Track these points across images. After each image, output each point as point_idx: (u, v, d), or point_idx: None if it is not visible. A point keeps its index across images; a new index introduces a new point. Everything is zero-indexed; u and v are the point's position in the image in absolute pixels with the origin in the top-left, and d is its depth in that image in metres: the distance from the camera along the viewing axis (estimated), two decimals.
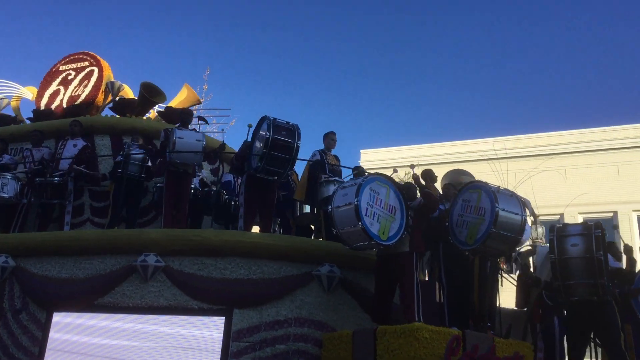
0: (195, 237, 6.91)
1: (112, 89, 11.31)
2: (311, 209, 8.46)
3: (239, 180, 8.88)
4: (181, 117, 9.80)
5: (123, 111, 9.79)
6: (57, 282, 7.14)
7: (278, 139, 7.32)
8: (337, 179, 8.12)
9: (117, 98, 10.18)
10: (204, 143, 7.82)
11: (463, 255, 6.73)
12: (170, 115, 9.81)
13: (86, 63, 11.96)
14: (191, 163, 7.95)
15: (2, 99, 12.41)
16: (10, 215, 8.79)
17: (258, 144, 7.46)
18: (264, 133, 7.38)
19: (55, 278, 7.17)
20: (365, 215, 5.91)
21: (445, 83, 40.14)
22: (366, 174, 7.45)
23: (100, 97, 11.41)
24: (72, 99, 11.45)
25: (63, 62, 12.26)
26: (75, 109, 11.05)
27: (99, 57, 11.94)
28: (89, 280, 7.03)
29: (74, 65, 12.04)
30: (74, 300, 6.99)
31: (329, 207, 6.27)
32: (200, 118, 10.36)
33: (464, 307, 6.75)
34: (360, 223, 5.86)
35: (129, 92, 11.60)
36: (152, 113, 11.77)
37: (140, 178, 8.45)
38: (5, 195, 8.33)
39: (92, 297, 6.96)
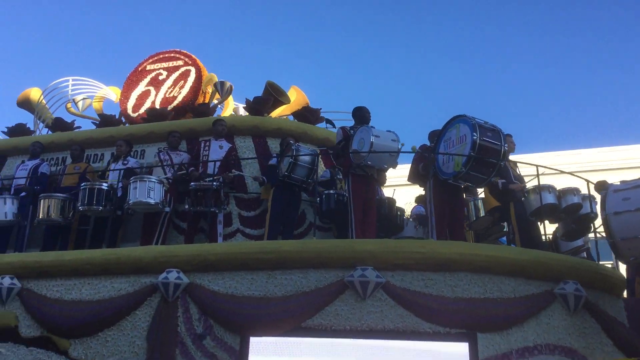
0: (421, 249, 5.95)
1: (221, 89, 10.30)
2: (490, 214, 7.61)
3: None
4: (318, 117, 8.94)
5: (260, 111, 8.78)
6: (249, 301, 6.07)
7: (485, 142, 6.48)
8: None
9: (255, 97, 9.15)
10: (400, 144, 6.89)
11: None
12: (305, 115, 8.85)
13: (180, 62, 10.93)
14: (383, 166, 6.99)
15: (84, 99, 11.26)
16: (149, 224, 7.69)
17: (448, 147, 6.67)
18: (466, 135, 6.54)
19: (247, 297, 6.11)
20: None
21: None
22: None
23: (199, 99, 10.41)
24: (166, 100, 10.39)
25: (150, 60, 11.20)
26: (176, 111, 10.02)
27: (194, 57, 10.94)
28: (291, 298, 5.99)
29: (164, 65, 11.00)
30: (275, 322, 5.92)
31: (605, 212, 5.42)
32: (327, 121, 9.45)
33: None
34: None
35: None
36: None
37: (306, 183, 7.42)
38: (152, 202, 7.21)
39: (297, 319, 5.90)
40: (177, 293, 6.28)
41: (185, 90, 10.41)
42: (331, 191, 7.46)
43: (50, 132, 10.65)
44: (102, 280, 6.64)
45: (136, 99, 10.70)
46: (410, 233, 8.20)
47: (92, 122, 10.64)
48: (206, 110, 9.17)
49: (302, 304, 5.92)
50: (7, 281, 6.81)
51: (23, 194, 8.27)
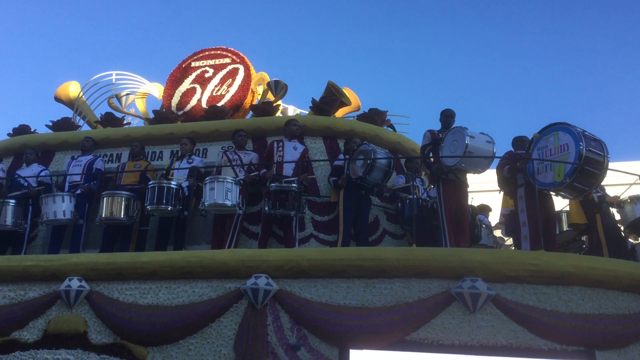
0: (534, 261, 5.62)
1: (275, 88, 9.95)
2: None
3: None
4: (384, 120, 8.64)
5: (328, 111, 8.43)
6: (348, 310, 5.71)
7: (590, 152, 6.20)
8: None
9: (322, 97, 8.79)
10: (495, 147, 6.57)
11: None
12: (372, 117, 8.50)
13: (227, 60, 10.57)
14: (477, 170, 6.67)
15: (127, 94, 10.82)
16: (220, 227, 7.30)
17: (544, 155, 6.41)
18: (568, 144, 6.27)
19: (344, 306, 5.74)
20: None
21: None
22: None
23: (249, 98, 10.05)
24: (213, 99, 10.02)
25: (195, 57, 10.82)
26: (221, 110, 9.65)
27: (242, 55, 10.59)
28: (393, 309, 5.63)
29: (210, 62, 10.63)
30: (378, 334, 5.55)
31: None
32: (390, 126, 9.13)
33: None
34: None
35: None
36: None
37: (380, 186, 7.09)
38: (229, 203, 6.82)
39: (401, 331, 5.55)
40: (266, 300, 5.90)
41: (233, 89, 10.06)
42: (413, 196, 7.13)
43: (89, 128, 10.26)
44: (180, 284, 6.23)
45: (181, 97, 10.33)
46: (484, 241, 7.92)
47: (141, 119, 10.24)
48: (271, 109, 8.80)
49: (406, 315, 5.58)
50: (75, 283, 6.37)
51: (79, 190, 7.83)
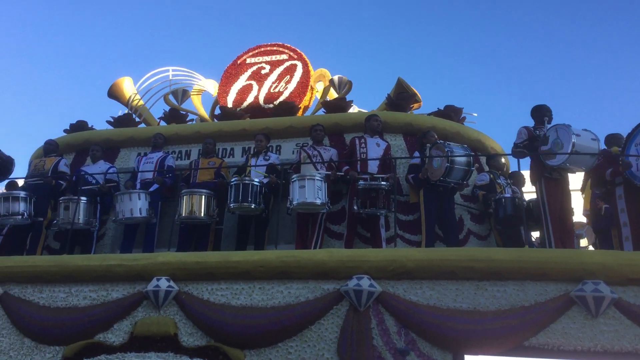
0: None
1: (338, 85, 9.72)
2: None
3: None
4: (460, 116, 8.37)
5: (404, 107, 8.18)
6: (459, 314, 5.44)
7: None
8: None
9: (398, 93, 8.53)
10: (600, 144, 6.29)
11: None
12: (449, 114, 8.24)
13: (284, 56, 10.34)
14: (582, 168, 6.40)
15: (183, 90, 10.59)
16: (304, 226, 7.05)
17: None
18: None
19: (455, 309, 5.47)
20: None
21: None
22: None
23: (308, 95, 9.81)
24: (270, 95, 9.79)
25: (250, 53, 10.60)
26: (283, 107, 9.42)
27: (299, 51, 10.35)
28: (508, 313, 5.36)
29: (267, 58, 10.40)
30: (494, 338, 5.29)
31: None
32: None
33: None
34: None
35: None
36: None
37: (459, 185, 6.82)
38: (318, 202, 6.57)
39: (519, 336, 5.27)
40: (369, 302, 5.64)
41: (292, 86, 9.83)
42: (507, 195, 6.86)
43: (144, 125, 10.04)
44: (274, 284, 5.98)
45: (237, 94, 10.10)
46: None
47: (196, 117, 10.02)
48: (345, 105, 8.54)
49: (524, 320, 5.30)
50: (164, 283, 6.12)
51: (152, 188, 7.59)
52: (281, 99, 9.70)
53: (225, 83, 10.28)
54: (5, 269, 6.62)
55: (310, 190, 6.54)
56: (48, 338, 6.26)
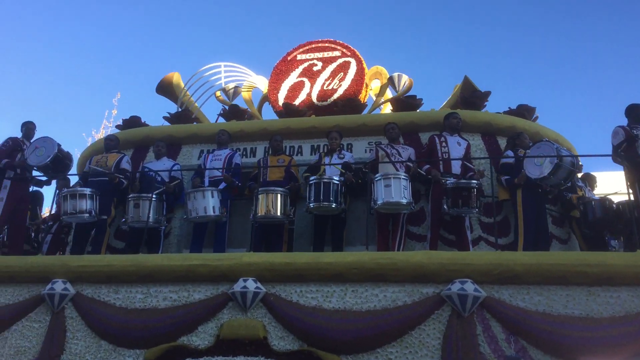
0: None
1: (397, 83, 9.51)
2: None
3: None
4: (533, 116, 8.16)
5: (478, 105, 7.96)
6: (572, 321, 5.21)
7: None
8: None
9: (471, 91, 8.30)
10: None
11: None
12: (522, 113, 8.02)
13: (337, 53, 10.11)
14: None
15: (235, 87, 10.36)
16: (385, 226, 6.80)
17: None
18: None
19: (567, 316, 5.25)
20: None
21: None
22: None
23: (363, 92, 9.59)
24: (324, 93, 9.57)
25: (301, 50, 10.37)
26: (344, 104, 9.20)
27: (352, 48, 10.13)
28: (624, 320, 5.14)
29: (318, 55, 10.17)
30: (610, 347, 5.05)
31: None
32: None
33: None
34: None
35: None
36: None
37: (558, 186, 6.61)
38: (404, 201, 6.35)
39: (637, 344, 5.05)
40: (474, 307, 5.41)
41: (346, 83, 9.60)
42: (596, 198, 6.65)
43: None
44: (368, 287, 5.74)
45: (288, 91, 9.87)
46: None
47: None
48: (416, 103, 8.31)
49: None
50: (252, 285, 5.88)
51: (222, 185, 7.35)
52: (335, 96, 9.49)
53: (276, 80, 10.05)
54: (78, 268, 6.36)
55: (396, 190, 6.32)
56: (127, 341, 6.00)
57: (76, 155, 9.94)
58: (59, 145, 7.63)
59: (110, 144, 8.06)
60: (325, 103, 9.56)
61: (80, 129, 38.63)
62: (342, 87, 9.60)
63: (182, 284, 6.15)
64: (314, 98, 9.60)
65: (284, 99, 9.77)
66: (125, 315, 6.11)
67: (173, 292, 6.15)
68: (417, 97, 8.41)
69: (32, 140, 7.75)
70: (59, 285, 6.29)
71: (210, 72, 10.25)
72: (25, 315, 6.35)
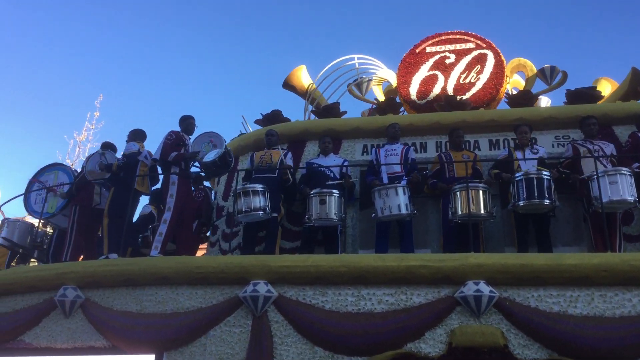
0: None
1: (548, 75, 9.10)
2: None
3: None
4: None
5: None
6: None
7: None
8: None
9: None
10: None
11: None
12: None
13: (471, 45, 9.68)
14: None
15: (367, 80, 9.96)
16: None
17: None
18: None
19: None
20: None
21: None
22: None
23: (504, 86, 9.18)
24: (460, 86, 9.17)
25: (430, 42, 9.92)
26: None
27: (487, 39, 9.69)
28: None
29: (450, 47, 9.74)
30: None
31: None
32: None
33: None
34: None
35: None
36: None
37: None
38: (631, 199, 5.93)
39: None
40: None
41: (484, 76, 9.18)
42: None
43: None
44: (618, 292, 5.33)
45: (420, 84, 9.45)
46: None
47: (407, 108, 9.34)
48: (597, 94, 7.85)
49: None
50: (484, 288, 5.46)
51: (403, 182, 6.92)
52: (474, 90, 9.11)
53: (405, 73, 9.63)
54: (281, 269, 5.96)
55: (624, 186, 5.89)
56: (346, 347, 5.60)
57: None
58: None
59: (271, 139, 7.66)
60: (464, 97, 9.15)
61: (61, 130, 38.65)
62: (480, 81, 9.21)
63: (398, 287, 5.74)
64: (450, 92, 9.19)
65: (416, 93, 9.38)
66: (340, 319, 5.70)
67: (388, 294, 5.74)
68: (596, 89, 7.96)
69: (198, 135, 7.38)
70: (261, 287, 5.89)
71: (345, 65, 9.86)
72: (224, 319, 5.95)
